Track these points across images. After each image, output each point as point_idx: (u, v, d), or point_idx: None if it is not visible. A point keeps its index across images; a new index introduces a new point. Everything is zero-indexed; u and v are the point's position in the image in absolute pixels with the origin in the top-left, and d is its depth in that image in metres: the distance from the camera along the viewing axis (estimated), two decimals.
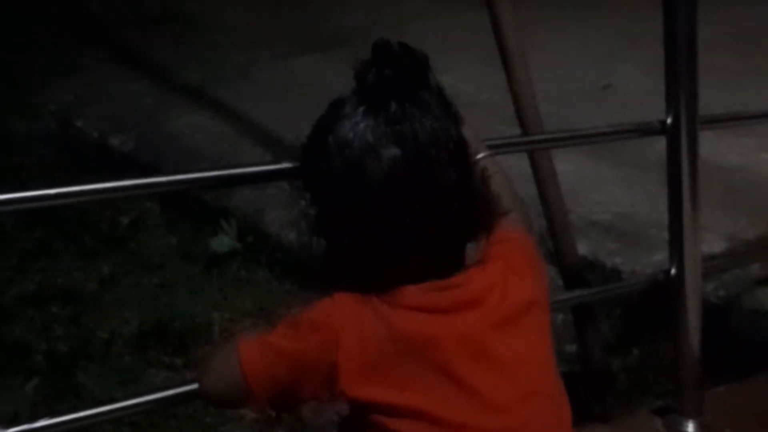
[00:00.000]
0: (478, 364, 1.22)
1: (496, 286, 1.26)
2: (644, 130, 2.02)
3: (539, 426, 1.25)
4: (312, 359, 1.21)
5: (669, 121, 1.89)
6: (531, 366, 1.26)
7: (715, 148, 3.28)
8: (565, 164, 2.90)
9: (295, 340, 1.22)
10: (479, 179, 1.29)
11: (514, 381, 1.24)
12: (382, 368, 1.20)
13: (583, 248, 2.75)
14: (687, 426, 1.98)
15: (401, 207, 1.20)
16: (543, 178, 2.44)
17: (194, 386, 1.52)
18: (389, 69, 1.20)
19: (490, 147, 1.54)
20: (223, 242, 3.51)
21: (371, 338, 1.20)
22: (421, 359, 1.20)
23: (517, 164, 2.50)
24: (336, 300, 1.23)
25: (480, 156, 1.41)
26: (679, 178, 1.90)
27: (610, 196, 3.25)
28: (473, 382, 1.21)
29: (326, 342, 1.20)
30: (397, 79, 1.21)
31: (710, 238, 2.72)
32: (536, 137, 2.34)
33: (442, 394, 1.20)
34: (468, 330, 1.22)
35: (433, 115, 1.23)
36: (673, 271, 1.95)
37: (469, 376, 1.21)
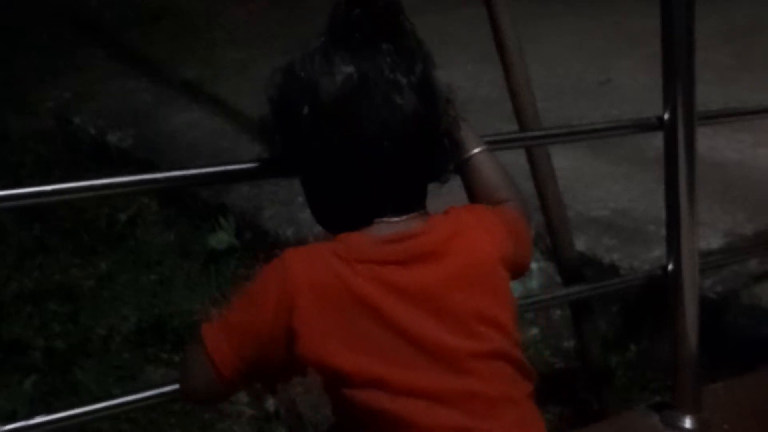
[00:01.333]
0: (436, 322, 1.19)
1: (459, 235, 1.24)
2: (641, 126, 2.01)
3: (501, 384, 1.22)
4: (271, 327, 1.18)
5: (666, 116, 1.88)
6: (492, 325, 1.23)
7: (712, 143, 3.28)
8: (563, 160, 2.91)
9: (252, 312, 1.20)
10: (448, 121, 1.27)
11: (475, 340, 1.21)
12: (340, 329, 1.17)
13: (580, 244, 2.76)
14: (684, 422, 1.98)
15: (357, 127, 1.20)
16: (541, 175, 2.45)
17: None
18: (358, 9, 1.21)
19: (488, 143, 1.54)
20: (221, 239, 3.51)
21: (326, 296, 1.17)
22: (378, 319, 1.17)
23: (515, 161, 2.50)
24: (287, 260, 1.20)
25: (476, 150, 1.42)
26: (676, 173, 1.90)
27: (608, 193, 3.25)
28: (433, 342, 1.18)
29: (281, 307, 1.17)
30: (365, 17, 1.21)
31: (708, 234, 2.73)
32: (534, 133, 2.34)
33: (402, 358, 1.17)
34: (425, 285, 1.20)
35: (398, 49, 1.22)
36: (670, 267, 1.95)
37: (429, 337, 1.18)
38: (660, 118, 1.90)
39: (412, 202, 1.26)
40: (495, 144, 1.70)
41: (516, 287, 3.10)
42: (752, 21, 5.09)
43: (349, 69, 1.20)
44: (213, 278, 3.40)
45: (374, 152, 1.20)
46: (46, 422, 1.41)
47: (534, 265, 2.97)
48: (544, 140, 2.36)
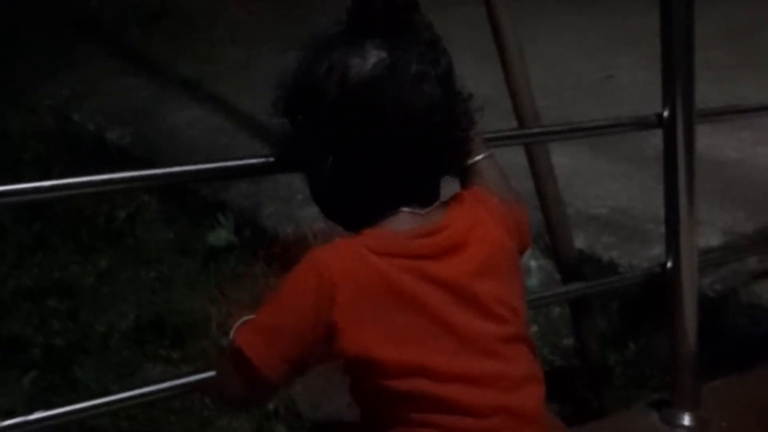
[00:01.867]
0: (467, 310, 1.23)
1: (477, 226, 1.28)
2: (641, 124, 2.02)
3: (524, 364, 1.28)
4: (314, 326, 1.19)
5: (666, 114, 1.88)
6: (510, 309, 1.28)
7: (712, 141, 3.28)
8: (562, 158, 2.91)
9: (292, 314, 1.20)
10: (464, 112, 1.30)
11: (500, 324, 1.25)
12: (379, 321, 1.19)
13: (580, 242, 2.76)
14: (683, 419, 1.98)
15: (387, 112, 1.21)
16: (540, 172, 2.45)
17: (191, 378, 1.53)
18: (378, 2, 1.22)
19: (487, 140, 1.54)
20: (220, 236, 3.51)
21: (365, 290, 1.19)
22: (415, 309, 1.20)
23: (515, 159, 2.50)
24: (317, 258, 1.21)
25: (480, 156, 1.42)
26: (675, 171, 1.90)
27: (607, 190, 3.25)
28: (465, 329, 1.23)
29: (321, 304, 1.18)
30: (384, 11, 1.22)
31: (707, 232, 2.73)
32: (533, 130, 2.34)
33: (439, 345, 1.21)
34: (455, 275, 1.23)
35: (420, 41, 1.24)
36: (669, 264, 1.95)
37: (461, 324, 1.22)
38: (659, 116, 1.90)
39: (433, 193, 1.29)
40: (494, 141, 1.70)
41: None
42: (752, 20, 5.09)
43: (382, 54, 1.21)
44: (212, 276, 3.40)
45: (400, 138, 1.21)
46: (44, 418, 1.41)
47: (533, 263, 2.97)
48: (542, 137, 2.36)
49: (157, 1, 6.19)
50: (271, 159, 1.53)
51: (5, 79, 5.01)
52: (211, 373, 1.51)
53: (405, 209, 1.25)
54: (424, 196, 1.27)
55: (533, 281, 2.94)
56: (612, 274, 2.75)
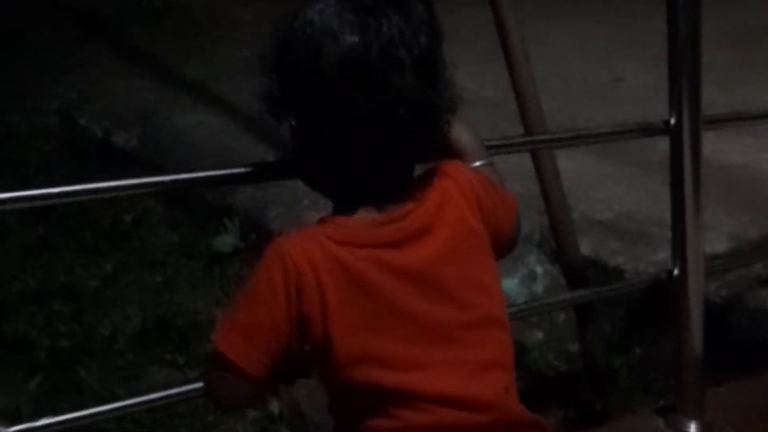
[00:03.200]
0: (428, 297, 1.22)
1: (444, 205, 1.25)
2: (647, 130, 2.01)
3: (491, 349, 1.26)
4: (287, 315, 1.19)
5: (672, 121, 1.88)
6: (480, 289, 1.26)
7: (717, 147, 3.27)
8: (568, 162, 2.90)
9: (265, 306, 1.20)
10: (440, 99, 1.25)
11: (464, 310, 1.24)
12: (340, 311, 1.19)
13: (585, 247, 2.76)
14: (689, 425, 1.98)
15: (352, 98, 1.17)
16: (546, 177, 2.45)
17: (196, 384, 1.53)
18: None
19: (493, 147, 1.54)
20: (226, 242, 3.51)
21: (327, 280, 1.18)
22: (374, 298, 1.20)
23: (520, 162, 2.50)
24: (282, 247, 1.20)
25: (479, 164, 1.41)
26: (681, 177, 1.90)
27: (613, 195, 3.25)
28: (425, 317, 1.22)
29: (291, 293, 1.18)
30: None
31: (713, 238, 2.72)
32: (539, 137, 2.33)
33: (397, 334, 1.21)
34: (418, 262, 1.22)
35: (407, 18, 1.20)
36: (675, 270, 1.95)
37: (421, 312, 1.21)
38: (666, 122, 1.90)
39: (402, 180, 1.26)
40: (501, 148, 1.70)
41: (521, 291, 3.11)
42: (758, 23, 5.09)
43: (354, 38, 1.18)
44: (217, 279, 3.40)
45: (364, 128, 1.19)
46: (51, 424, 1.42)
47: (538, 268, 2.97)
48: (548, 144, 2.36)
49: (161, 1, 6.19)
50: (277, 164, 1.54)
51: (10, 79, 5.01)
52: None
53: (371, 194, 1.23)
54: (392, 183, 1.24)
55: (539, 287, 2.94)
56: (617, 279, 2.75)
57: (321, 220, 1.25)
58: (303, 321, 1.19)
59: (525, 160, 2.49)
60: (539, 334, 2.89)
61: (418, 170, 1.30)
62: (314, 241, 1.20)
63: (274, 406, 2.76)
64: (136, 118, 4.52)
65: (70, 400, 2.76)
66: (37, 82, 5.09)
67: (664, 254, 2.57)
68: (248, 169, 1.53)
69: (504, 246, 1.39)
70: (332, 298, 1.18)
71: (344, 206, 1.25)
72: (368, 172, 1.22)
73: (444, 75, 1.26)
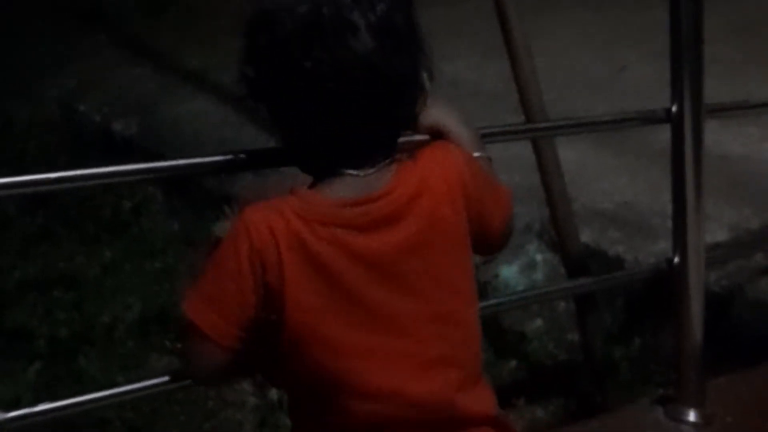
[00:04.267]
0: (386, 287, 1.21)
1: (422, 196, 1.23)
2: (649, 119, 2.01)
3: (442, 346, 1.24)
4: (253, 285, 1.20)
5: (674, 109, 1.88)
6: (444, 289, 1.25)
7: (719, 137, 3.26)
8: (569, 152, 2.90)
9: (231, 276, 1.20)
10: (408, 63, 1.23)
11: (423, 303, 1.23)
12: (296, 287, 1.19)
13: (586, 237, 2.75)
14: (688, 415, 1.98)
15: (310, 64, 1.17)
16: (546, 167, 2.44)
17: None
18: None
19: (493, 135, 1.54)
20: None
21: (287, 254, 1.19)
22: (329, 280, 1.19)
23: (521, 153, 2.50)
24: (248, 219, 1.21)
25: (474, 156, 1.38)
26: (683, 167, 1.89)
27: (614, 185, 3.24)
28: (378, 305, 1.21)
29: (254, 263, 1.19)
30: None
31: (713, 228, 2.72)
32: (540, 125, 2.33)
33: (348, 320, 1.20)
34: (381, 250, 1.21)
35: None
36: (676, 260, 1.94)
37: (375, 300, 1.21)
38: (668, 111, 1.89)
39: (378, 153, 1.24)
40: (501, 135, 1.70)
41: (521, 279, 3.11)
42: (761, 14, 5.07)
43: (305, 7, 1.19)
44: None
45: (322, 94, 1.18)
46: (49, 409, 1.41)
47: (539, 257, 2.96)
48: (550, 132, 2.35)
49: None
50: (277, 151, 1.53)
51: (10, 69, 5.01)
52: None
53: (343, 170, 1.22)
54: (366, 155, 1.23)
55: (539, 275, 2.94)
56: (618, 269, 2.75)
57: (293, 193, 1.24)
58: (267, 291, 1.20)
59: (526, 151, 2.49)
60: (539, 323, 2.89)
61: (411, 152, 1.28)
62: (280, 216, 1.21)
63: (274, 394, 2.76)
64: (135, 108, 4.51)
65: (70, 389, 2.76)
66: (37, 72, 5.08)
67: (664, 244, 2.56)
68: (248, 156, 1.52)
69: (492, 240, 1.37)
70: (289, 275, 1.19)
71: (317, 182, 1.25)
72: (336, 141, 1.22)
73: (411, 45, 1.23)
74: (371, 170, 1.23)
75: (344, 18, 1.18)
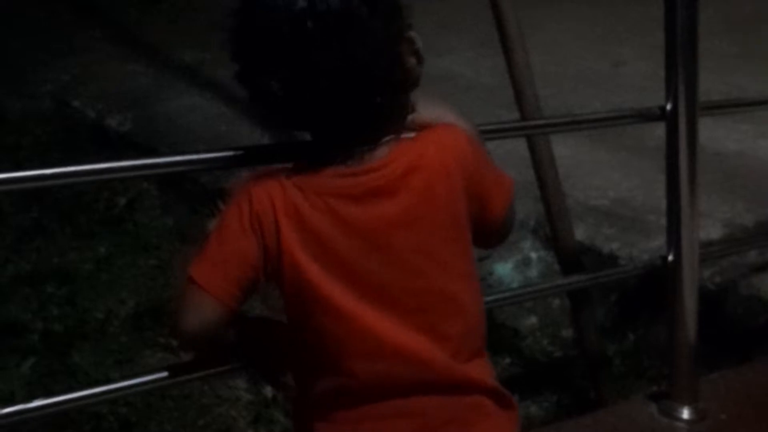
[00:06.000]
0: (375, 258, 1.25)
1: (417, 171, 1.26)
2: (643, 116, 2.01)
3: (428, 317, 1.27)
4: (251, 247, 1.25)
5: (668, 107, 1.88)
6: (435, 264, 1.27)
7: (713, 133, 3.27)
8: (563, 149, 2.90)
9: (233, 238, 1.26)
10: (392, 51, 1.24)
11: (412, 277, 1.26)
12: (291, 252, 1.24)
13: (580, 233, 2.76)
14: (682, 411, 1.98)
15: (294, 52, 1.20)
16: (541, 163, 2.44)
17: (190, 368, 1.53)
18: None
19: (488, 132, 1.54)
20: None
21: (282, 220, 1.24)
22: (319, 248, 1.24)
23: (516, 149, 2.50)
24: (249, 188, 1.27)
25: None
26: (677, 164, 1.90)
27: (608, 181, 3.25)
28: (367, 275, 1.25)
29: (254, 226, 1.25)
30: None
31: (708, 224, 2.72)
32: (535, 122, 2.33)
33: (337, 287, 1.24)
34: (372, 221, 1.25)
35: None
36: (670, 257, 1.95)
37: (363, 270, 1.25)
38: (662, 108, 1.89)
39: (371, 131, 1.27)
40: (496, 133, 1.70)
41: (515, 276, 3.11)
42: (755, 10, 5.08)
43: (262, 19, 1.22)
44: None
45: (299, 96, 1.22)
46: (44, 405, 1.42)
47: (533, 254, 2.97)
48: (544, 129, 2.35)
49: None
50: (271, 147, 1.53)
51: (4, 62, 4.99)
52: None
53: (339, 145, 1.26)
54: (358, 133, 1.26)
55: (533, 272, 2.94)
56: (612, 266, 2.75)
57: (293, 164, 1.30)
58: (266, 254, 1.25)
59: (520, 147, 2.49)
60: (533, 320, 2.89)
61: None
62: (278, 184, 1.26)
63: (268, 391, 2.76)
64: (130, 102, 4.50)
65: (64, 384, 2.76)
66: (31, 66, 5.06)
67: (658, 241, 2.57)
68: (243, 152, 1.52)
69: (494, 227, 1.38)
70: (285, 240, 1.24)
71: (316, 155, 1.28)
72: (327, 126, 1.25)
73: (378, 32, 1.23)
74: (367, 145, 1.26)
75: (299, 29, 1.20)
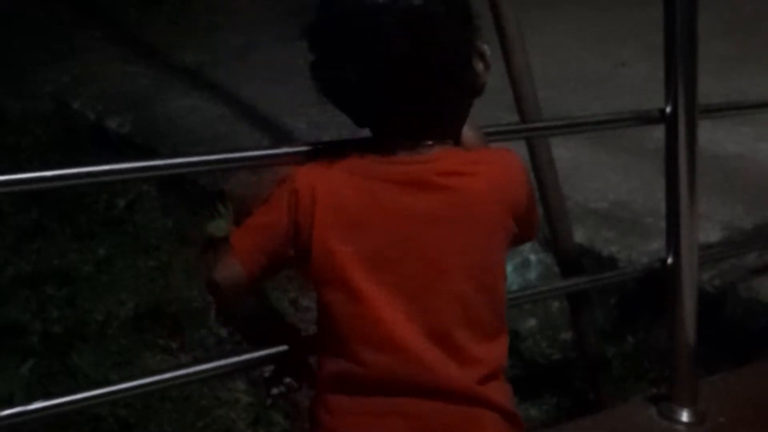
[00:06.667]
0: (408, 251, 1.28)
1: (464, 175, 1.29)
2: (643, 119, 2.01)
3: (450, 323, 1.29)
4: (285, 223, 1.31)
5: (668, 109, 1.88)
6: (461, 270, 1.29)
7: (713, 136, 3.28)
8: (563, 151, 2.90)
9: (269, 213, 1.34)
10: (471, 48, 1.32)
11: (437, 276, 1.28)
12: (324, 229, 1.28)
13: (579, 236, 2.76)
14: (681, 414, 1.98)
15: (357, 52, 1.26)
16: (541, 165, 2.44)
17: (190, 369, 1.54)
18: None
19: (488, 134, 1.54)
20: (219, 226, 3.49)
21: (320, 200, 1.29)
22: (358, 230, 1.28)
23: (515, 151, 2.50)
24: (294, 170, 1.34)
25: None
26: (676, 166, 1.90)
27: (608, 184, 3.25)
28: (394, 265, 1.28)
29: (291, 205, 1.30)
30: None
31: (707, 227, 2.73)
32: (534, 125, 2.33)
33: (370, 271, 1.28)
34: (410, 211, 1.28)
35: None
36: (669, 259, 1.95)
37: (392, 258, 1.28)
38: (662, 111, 1.89)
39: (427, 129, 1.31)
40: (496, 135, 1.69)
41: (514, 279, 3.11)
42: (755, 11, 5.08)
43: (337, 13, 1.28)
44: None
45: (368, 90, 1.28)
46: (43, 407, 1.41)
47: (532, 256, 2.97)
48: (544, 132, 2.35)
49: None
50: (273, 151, 1.53)
51: (5, 64, 4.99)
52: (210, 365, 1.52)
53: (396, 137, 1.30)
54: (417, 129, 1.30)
55: (532, 275, 2.94)
56: (611, 268, 2.75)
57: (346, 146, 1.35)
58: (296, 230, 1.30)
59: (520, 149, 2.48)
60: (533, 322, 2.89)
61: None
62: (326, 164, 1.32)
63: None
64: (130, 104, 4.50)
65: (64, 386, 2.76)
66: (32, 66, 5.07)
67: (658, 244, 2.57)
68: (243, 154, 1.53)
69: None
70: (319, 219, 1.29)
71: (371, 141, 1.33)
72: (390, 120, 1.30)
73: (452, 33, 1.29)
74: (422, 141, 1.30)
75: (377, 22, 1.25)
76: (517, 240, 1.39)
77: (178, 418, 2.72)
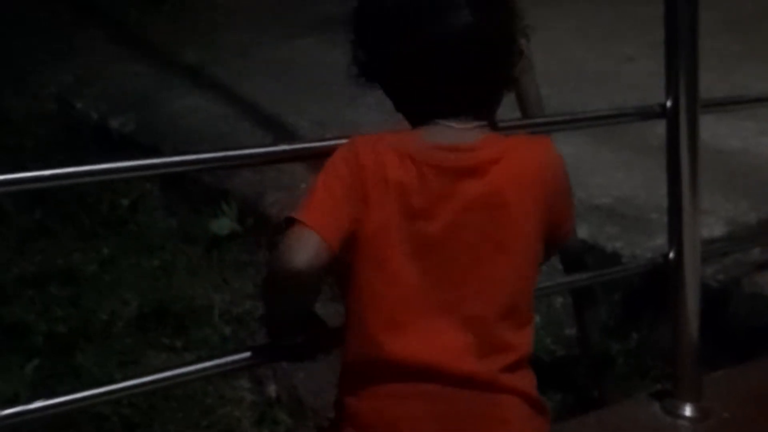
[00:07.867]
0: (448, 234, 1.30)
1: (502, 161, 1.32)
2: (644, 114, 2.01)
3: (479, 312, 1.31)
4: (351, 196, 1.31)
5: (669, 104, 1.88)
6: (493, 250, 1.31)
7: (716, 131, 3.27)
8: (566, 147, 2.87)
9: (339, 184, 1.32)
10: (502, 38, 1.36)
11: (472, 261, 1.31)
12: (375, 213, 1.30)
13: (582, 232, 2.75)
14: (685, 410, 1.98)
15: (410, 35, 1.30)
16: None
17: (194, 367, 1.54)
18: None
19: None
20: (223, 225, 3.50)
21: (371, 179, 1.31)
22: (405, 212, 1.30)
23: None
24: (353, 145, 1.34)
25: None
26: (678, 161, 1.90)
27: (611, 180, 3.24)
28: (431, 251, 1.30)
29: (353, 182, 1.31)
30: None
31: (710, 222, 2.72)
32: (536, 120, 2.32)
33: (410, 254, 1.30)
34: (455, 198, 1.30)
35: None
36: (672, 255, 1.95)
37: (432, 243, 1.30)
38: (663, 106, 1.89)
39: (471, 111, 1.34)
40: (499, 131, 1.69)
41: None
42: (757, 7, 5.07)
43: None
44: (215, 263, 3.39)
45: (423, 64, 1.32)
46: (47, 406, 1.42)
47: None
48: (546, 127, 2.34)
49: None
50: (276, 148, 1.53)
51: (7, 64, 5.00)
52: (213, 362, 1.52)
53: (441, 121, 1.34)
54: (462, 110, 1.34)
55: None
56: (615, 264, 2.75)
57: (395, 131, 1.37)
58: (356, 209, 1.31)
59: None
60: (536, 318, 2.88)
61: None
62: (380, 146, 1.33)
63: (272, 390, 2.76)
64: (132, 103, 4.51)
65: (68, 385, 2.76)
66: (34, 66, 5.07)
67: (661, 239, 2.57)
68: (246, 153, 1.53)
69: (550, 251, 1.45)
70: (373, 199, 1.30)
71: (417, 127, 1.36)
72: (437, 99, 1.34)
73: (506, 13, 1.37)
74: (465, 125, 1.34)
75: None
76: (554, 234, 1.39)
77: (182, 417, 2.72)
